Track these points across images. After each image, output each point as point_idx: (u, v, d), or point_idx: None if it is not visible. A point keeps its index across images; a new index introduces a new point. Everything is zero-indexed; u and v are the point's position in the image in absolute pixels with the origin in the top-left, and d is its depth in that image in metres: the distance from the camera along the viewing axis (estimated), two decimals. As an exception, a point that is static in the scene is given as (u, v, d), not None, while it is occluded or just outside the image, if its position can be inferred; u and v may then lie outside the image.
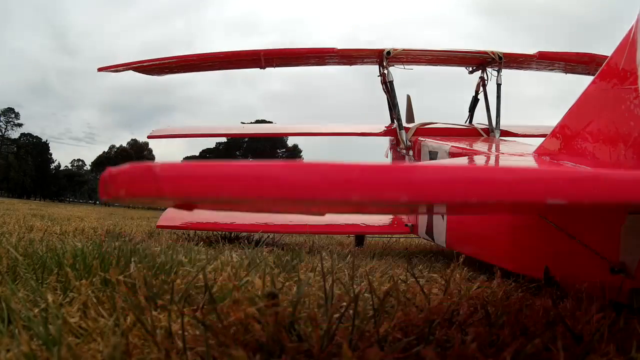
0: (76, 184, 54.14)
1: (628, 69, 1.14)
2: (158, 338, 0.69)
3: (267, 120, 40.49)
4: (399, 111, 3.47)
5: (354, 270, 1.41)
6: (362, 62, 3.70)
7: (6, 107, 50.97)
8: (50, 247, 1.49)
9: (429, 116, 3.87)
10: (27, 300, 0.89)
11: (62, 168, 55.19)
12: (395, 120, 3.50)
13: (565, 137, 1.45)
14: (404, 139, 3.39)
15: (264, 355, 0.66)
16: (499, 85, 3.48)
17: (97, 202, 50.23)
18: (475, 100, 3.72)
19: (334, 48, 3.52)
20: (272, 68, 3.72)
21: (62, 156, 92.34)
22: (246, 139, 49.44)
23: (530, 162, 1.55)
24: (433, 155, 2.89)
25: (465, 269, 1.41)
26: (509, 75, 3.77)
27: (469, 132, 3.52)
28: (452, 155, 2.50)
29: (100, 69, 3.76)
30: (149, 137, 4.02)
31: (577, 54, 3.63)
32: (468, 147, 2.48)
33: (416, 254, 2.57)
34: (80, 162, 57.11)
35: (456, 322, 0.82)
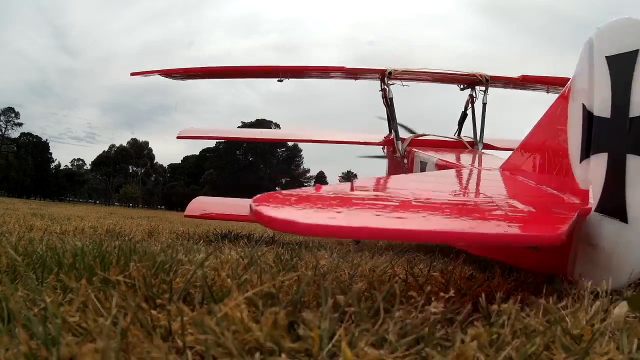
0: (76, 184, 54.12)
1: (562, 114, 1.54)
2: (157, 337, 0.69)
3: (267, 119, 40.45)
4: (397, 124, 3.97)
5: (354, 269, 1.41)
6: (366, 79, 4.24)
7: (6, 107, 50.99)
8: (50, 247, 1.49)
9: (428, 122, 4.42)
10: (27, 299, 0.89)
11: (62, 168, 55.14)
12: (393, 131, 3.99)
13: (522, 155, 1.89)
14: (400, 149, 3.85)
15: (264, 355, 0.66)
16: (484, 104, 3.92)
17: (97, 202, 50.30)
18: (464, 115, 4.20)
19: (343, 67, 4.09)
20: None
21: (62, 156, 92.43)
22: (246, 139, 49.36)
23: (492, 177, 2.01)
24: (423, 165, 3.30)
25: (465, 268, 1.41)
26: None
27: (456, 145, 3.98)
28: (439, 167, 2.90)
29: (132, 74, 4.33)
30: (178, 137, 4.46)
31: (557, 78, 3.99)
32: (452, 161, 2.98)
33: (416, 252, 2.57)
34: (81, 162, 57.03)
35: (456, 321, 0.82)
